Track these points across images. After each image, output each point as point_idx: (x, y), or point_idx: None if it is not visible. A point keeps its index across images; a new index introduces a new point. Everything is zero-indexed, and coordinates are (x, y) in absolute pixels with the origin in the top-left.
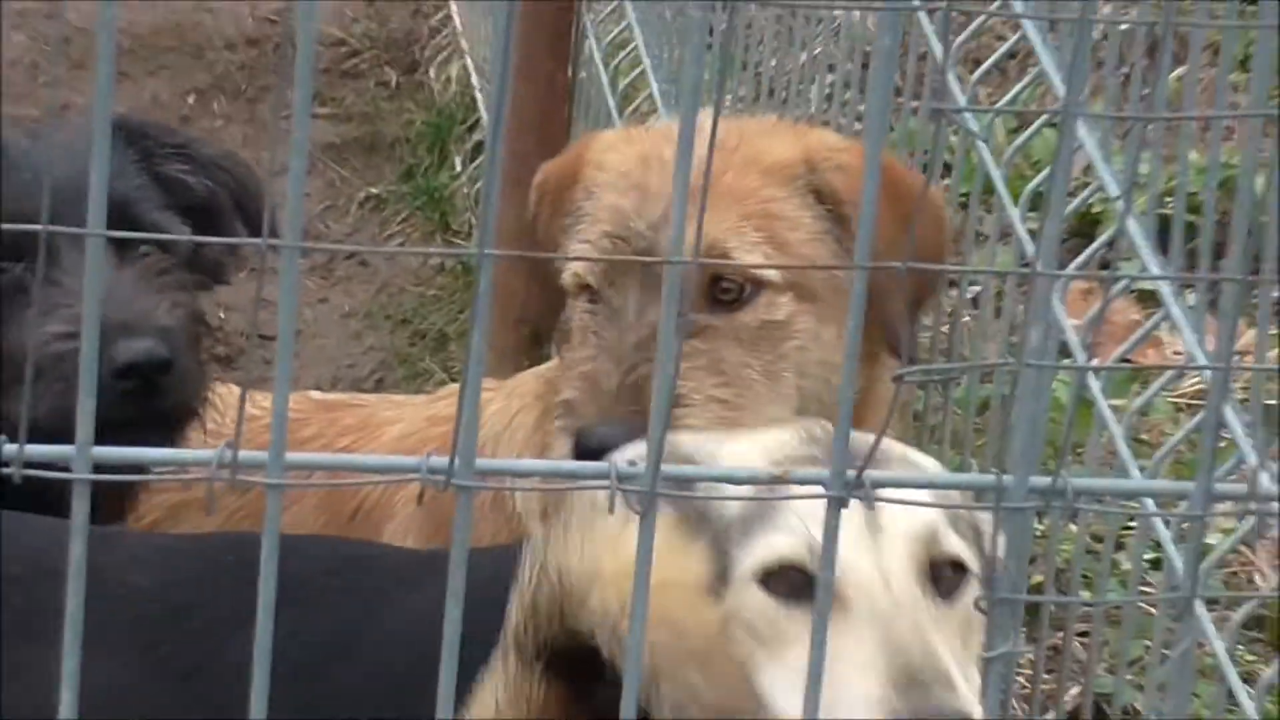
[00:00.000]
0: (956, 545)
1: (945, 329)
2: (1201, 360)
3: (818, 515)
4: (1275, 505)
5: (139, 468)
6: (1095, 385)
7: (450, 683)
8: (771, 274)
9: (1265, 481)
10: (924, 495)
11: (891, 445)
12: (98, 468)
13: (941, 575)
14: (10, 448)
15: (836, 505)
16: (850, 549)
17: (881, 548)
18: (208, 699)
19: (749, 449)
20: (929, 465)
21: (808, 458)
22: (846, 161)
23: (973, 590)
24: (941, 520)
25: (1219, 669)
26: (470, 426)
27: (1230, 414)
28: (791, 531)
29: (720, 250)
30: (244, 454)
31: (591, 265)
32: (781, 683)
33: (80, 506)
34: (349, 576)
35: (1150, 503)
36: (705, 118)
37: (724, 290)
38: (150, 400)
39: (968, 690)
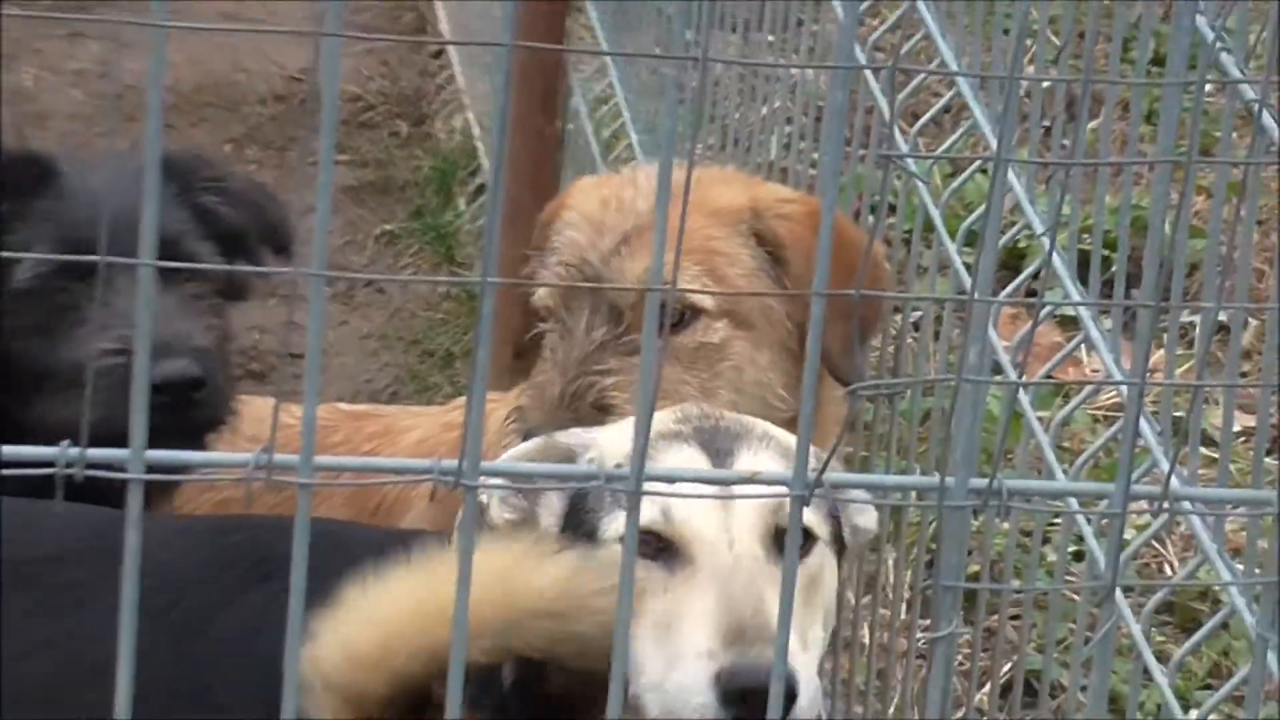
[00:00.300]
0: (804, 515)
1: (891, 350)
2: (1118, 377)
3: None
4: (1185, 504)
5: (186, 468)
6: (1025, 399)
7: (458, 679)
8: (707, 301)
9: (1176, 483)
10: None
11: (755, 423)
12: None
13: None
14: (73, 451)
15: (799, 503)
16: (701, 513)
17: (731, 513)
18: (208, 658)
19: (622, 431)
20: (787, 440)
21: (674, 434)
22: (791, 211)
23: (819, 555)
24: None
25: (1135, 649)
26: (476, 433)
27: (1144, 424)
28: (650, 501)
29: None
30: (278, 457)
31: (552, 290)
32: (635, 629)
33: (135, 502)
34: (323, 552)
35: (1074, 502)
36: (680, 169)
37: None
38: (183, 413)
39: (795, 645)
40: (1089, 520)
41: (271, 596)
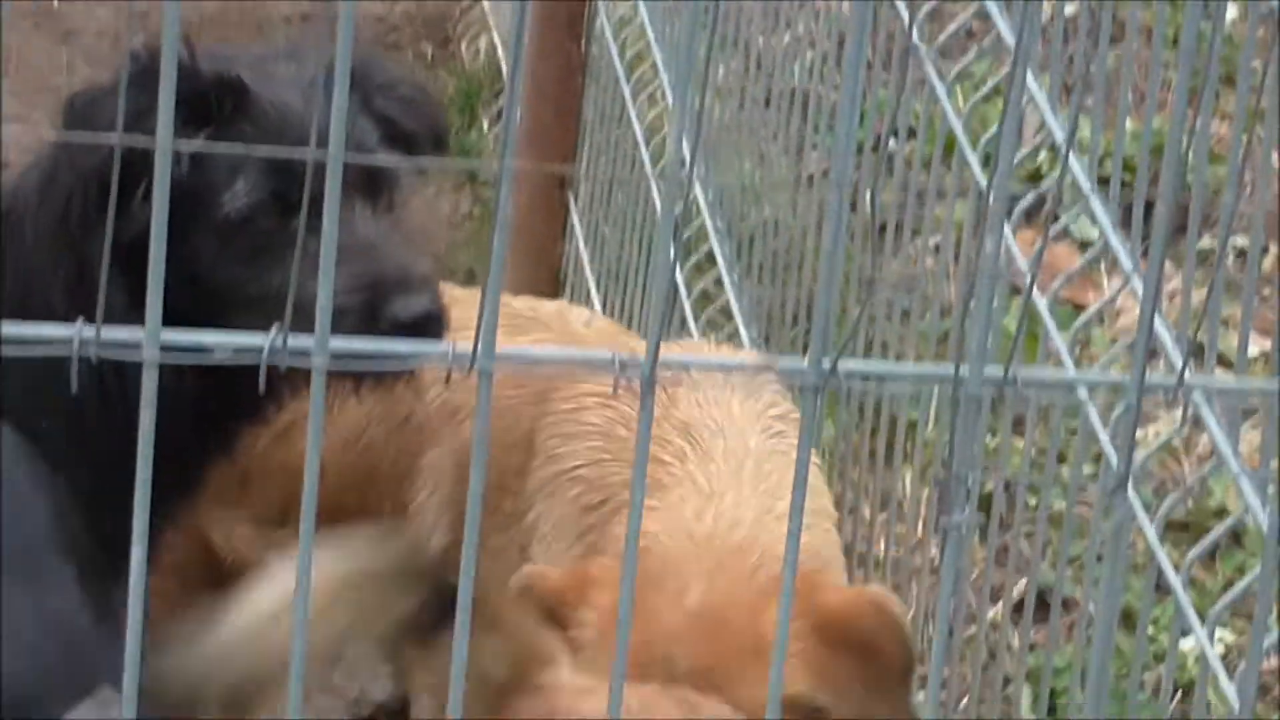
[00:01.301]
0: None
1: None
2: (1137, 285)
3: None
4: (1198, 394)
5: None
6: (1043, 307)
7: (461, 657)
8: None
9: (1189, 375)
10: None
11: None
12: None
13: None
14: (88, 331)
15: (812, 391)
16: None
17: None
18: None
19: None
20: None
21: None
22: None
23: None
24: None
25: (1149, 560)
26: (491, 318)
27: (1159, 324)
28: None
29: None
30: (292, 341)
31: None
32: None
33: (149, 382)
34: None
35: (1088, 397)
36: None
37: None
38: None
39: None
40: (1104, 426)
41: None
